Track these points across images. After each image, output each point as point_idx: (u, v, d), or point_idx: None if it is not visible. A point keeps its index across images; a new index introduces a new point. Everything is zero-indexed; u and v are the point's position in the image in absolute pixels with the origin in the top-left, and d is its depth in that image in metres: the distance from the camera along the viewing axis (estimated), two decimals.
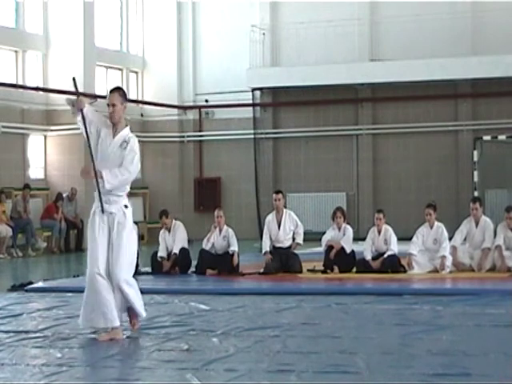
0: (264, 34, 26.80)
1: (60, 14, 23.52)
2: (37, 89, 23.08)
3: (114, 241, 8.38)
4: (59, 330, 9.04)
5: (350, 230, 14.89)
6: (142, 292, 12.42)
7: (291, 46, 26.66)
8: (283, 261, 14.66)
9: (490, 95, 25.23)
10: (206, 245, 14.67)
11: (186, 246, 14.88)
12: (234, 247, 14.55)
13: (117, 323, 8.34)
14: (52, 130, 23.56)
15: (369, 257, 14.46)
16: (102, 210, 8.38)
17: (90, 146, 8.45)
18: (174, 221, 15.08)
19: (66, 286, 13.24)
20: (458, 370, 6.64)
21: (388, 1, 25.89)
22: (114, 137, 8.49)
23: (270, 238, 14.84)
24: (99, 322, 8.35)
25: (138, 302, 8.56)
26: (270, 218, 15.02)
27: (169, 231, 14.96)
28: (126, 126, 8.62)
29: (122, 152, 8.43)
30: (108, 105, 8.44)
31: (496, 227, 14.50)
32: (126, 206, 8.51)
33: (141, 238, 18.00)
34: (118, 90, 8.69)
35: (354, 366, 6.86)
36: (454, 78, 25.08)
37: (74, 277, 15.07)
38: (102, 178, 8.25)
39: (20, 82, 22.97)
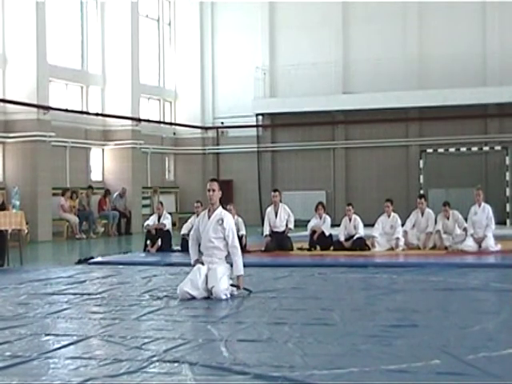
0: (265, 73, 26.76)
1: (113, 55, 23.47)
2: (96, 114, 23.06)
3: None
4: (113, 292, 9.06)
5: (328, 219, 14.88)
6: (174, 265, 12.44)
7: (285, 82, 26.62)
8: (279, 241, 14.64)
9: (432, 119, 25.14)
10: None
11: None
12: (243, 231, 14.49)
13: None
14: (108, 145, 23.54)
15: (342, 238, 14.46)
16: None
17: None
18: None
19: (118, 260, 13.29)
20: (408, 322, 6.65)
21: (357, 47, 25.86)
22: (209, 216, 8.47)
23: (269, 225, 14.84)
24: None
25: None
26: (269, 210, 15.01)
27: (197, 216, 14.74)
28: (219, 207, 8.52)
29: (219, 226, 8.39)
30: (209, 190, 8.39)
31: (436, 217, 14.51)
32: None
33: (173, 224, 17.90)
34: (216, 180, 8.65)
35: (331, 319, 6.87)
36: (406, 106, 25.04)
37: (124, 253, 15.09)
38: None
39: (84, 109, 22.97)
